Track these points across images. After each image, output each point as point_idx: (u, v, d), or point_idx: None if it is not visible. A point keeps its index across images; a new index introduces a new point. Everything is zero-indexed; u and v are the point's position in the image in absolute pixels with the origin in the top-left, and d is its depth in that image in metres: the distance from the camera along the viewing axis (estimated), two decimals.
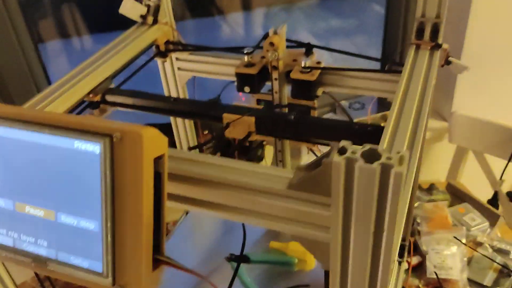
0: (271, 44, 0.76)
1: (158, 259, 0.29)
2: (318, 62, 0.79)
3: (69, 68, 1.32)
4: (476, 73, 1.30)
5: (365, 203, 0.27)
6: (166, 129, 1.00)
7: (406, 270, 1.10)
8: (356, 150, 0.27)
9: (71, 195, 0.29)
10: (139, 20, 0.83)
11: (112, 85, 0.70)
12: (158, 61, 0.90)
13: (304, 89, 0.78)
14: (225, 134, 0.64)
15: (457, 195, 1.27)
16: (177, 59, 0.90)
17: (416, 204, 1.22)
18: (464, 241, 1.12)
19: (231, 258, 0.89)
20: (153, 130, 0.28)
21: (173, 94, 0.96)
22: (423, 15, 0.69)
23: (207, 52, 0.87)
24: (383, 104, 1.47)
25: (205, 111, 0.70)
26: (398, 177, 0.25)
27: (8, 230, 0.31)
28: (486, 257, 1.10)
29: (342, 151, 0.27)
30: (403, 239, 0.97)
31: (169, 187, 0.31)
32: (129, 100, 0.71)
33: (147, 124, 1.05)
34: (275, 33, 0.77)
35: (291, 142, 0.92)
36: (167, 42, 0.87)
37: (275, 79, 0.80)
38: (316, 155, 0.98)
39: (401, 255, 0.97)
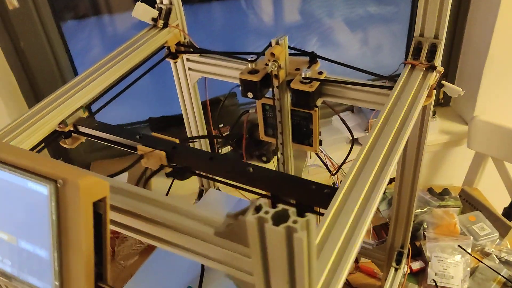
0: (272, 54, 0.77)
1: (100, 286, 0.33)
2: (320, 72, 0.80)
3: (92, 47, 1.36)
4: (500, 78, 1.27)
5: (277, 259, 0.29)
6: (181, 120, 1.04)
7: (406, 275, 1.11)
8: (269, 211, 0.29)
9: (28, 225, 0.33)
10: (151, 22, 0.87)
11: (85, 114, 0.71)
12: (171, 61, 0.93)
13: (303, 99, 0.79)
14: (142, 164, 0.66)
15: (470, 203, 1.26)
16: (187, 60, 0.93)
17: (425, 209, 1.22)
18: (469, 250, 1.11)
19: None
20: (93, 178, 0.31)
21: (185, 92, 1.00)
22: (421, 35, 0.68)
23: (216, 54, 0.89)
24: None
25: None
26: (299, 242, 0.28)
27: None
28: (491, 268, 1.09)
29: (257, 209, 0.30)
30: (402, 247, 0.98)
31: (116, 217, 0.35)
32: (97, 133, 0.70)
33: (162, 116, 1.10)
34: (277, 43, 0.78)
35: (293, 145, 0.94)
36: (178, 44, 0.90)
37: (276, 87, 0.82)
38: (320, 159, 0.99)
39: (398, 261, 0.99)
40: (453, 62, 1.38)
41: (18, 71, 1.15)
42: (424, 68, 0.67)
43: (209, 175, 0.66)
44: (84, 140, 0.68)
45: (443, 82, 0.65)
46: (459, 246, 1.11)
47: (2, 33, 1.09)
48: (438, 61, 0.67)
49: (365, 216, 0.44)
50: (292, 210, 0.29)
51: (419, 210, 1.22)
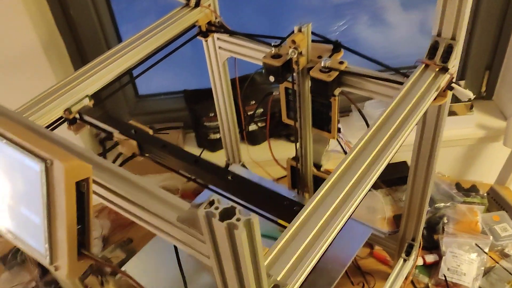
0: (293, 42, 0.79)
1: (83, 253, 0.39)
2: (341, 62, 0.81)
3: (135, 14, 1.40)
4: None
5: (224, 249, 0.33)
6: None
7: (419, 266, 1.12)
8: (219, 206, 0.33)
9: (26, 194, 0.39)
10: (184, 1, 0.90)
11: (91, 103, 0.74)
12: (202, 39, 0.97)
13: (321, 88, 0.81)
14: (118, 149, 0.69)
15: (498, 202, 1.23)
16: (218, 39, 0.96)
17: (448, 203, 1.21)
18: (486, 250, 1.10)
19: None
20: (76, 161, 0.36)
21: (215, 70, 1.03)
22: (439, 34, 0.68)
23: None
24: None
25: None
26: (239, 237, 0.31)
27: None
28: (506, 270, 1.08)
29: (211, 203, 0.34)
30: (413, 239, 0.99)
31: (101, 191, 0.40)
32: (99, 123, 0.73)
33: (196, 89, 1.14)
34: (300, 30, 0.79)
35: (313, 130, 0.96)
36: (209, 23, 0.94)
37: (297, 73, 0.84)
38: (340, 145, 1.01)
39: (408, 253, 1.00)
40: (499, 55, 1.32)
41: (67, 37, 1.23)
42: (437, 69, 0.67)
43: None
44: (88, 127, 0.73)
45: (453, 85, 0.65)
46: (476, 244, 1.10)
47: (54, 2, 1.17)
48: (452, 62, 0.67)
49: (328, 231, 0.47)
50: (238, 209, 0.33)
51: (442, 204, 1.21)
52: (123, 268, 1.00)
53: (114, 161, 0.67)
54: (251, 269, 0.34)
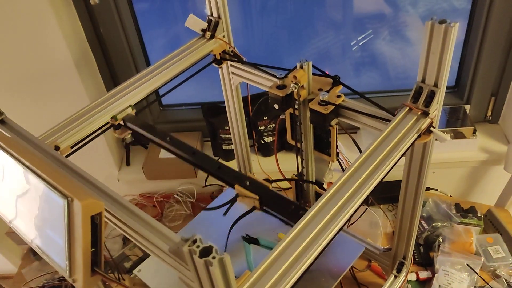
0: (295, 77, 0.87)
1: (96, 270, 0.49)
2: (339, 96, 0.89)
3: (161, 35, 1.50)
4: None
5: (203, 279, 0.42)
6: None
7: (412, 282, 1.20)
8: (200, 245, 0.42)
9: (54, 220, 0.49)
10: (200, 33, 1.00)
11: (133, 111, 0.89)
12: (217, 66, 1.06)
13: (319, 119, 0.89)
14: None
15: (494, 224, 1.28)
16: (231, 65, 1.05)
17: (445, 223, 1.27)
18: (477, 270, 1.16)
19: (245, 238, 1.08)
20: (91, 200, 0.46)
21: (228, 92, 1.13)
22: (423, 81, 0.75)
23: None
24: None
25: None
26: (213, 272, 0.40)
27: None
28: None
29: (194, 241, 0.43)
30: (404, 257, 1.06)
31: (111, 218, 0.51)
32: (140, 130, 0.87)
33: (212, 103, 1.24)
34: (301, 67, 0.88)
35: (315, 152, 1.05)
36: (224, 52, 1.03)
37: (298, 104, 0.92)
38: (341, 166, 1.09)
39: (398, 270, 1.07)
40: (505, 82, 1.37)
41: (97, 54, 1.35)
42: (419, 113, 0.74)
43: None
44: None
45: (431, 129, 0.72)
46: (467, 264, 1.16)
47: (87, 22, 1.28)
48: (434, 107, 0.74)
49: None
50: (215, 248, 0.42)
51: (439, 223, 1.28)
52: (138, 268, 1.10)
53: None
54: None
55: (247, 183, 0.74)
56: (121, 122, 0.88)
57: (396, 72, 1.68)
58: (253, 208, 0.75)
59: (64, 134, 0.79)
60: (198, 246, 0.42)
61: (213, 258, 0.41)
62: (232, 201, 0.78)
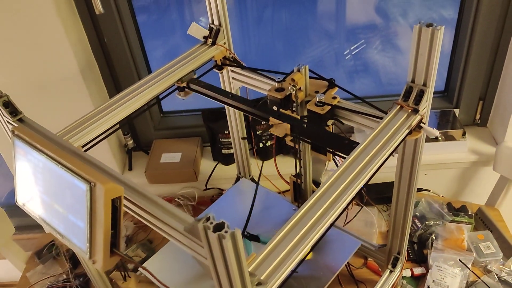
0: (292, 80, 0.93)
1: (114, 251, 0.53)
2: (334, 97, 0.94)
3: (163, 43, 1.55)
4: None
5: (216, 253, 0.47)
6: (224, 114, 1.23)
7: (407, 278, 1.24)
8: (213, 222, 0.47)
9: (74, 205, 0.53)
10: (202, 40, 1.05)
11: (195, 76, 1.03)
12: (218, 71, 1.12)
13: (315, 119, 0.94)
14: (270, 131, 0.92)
15: (484, 222, 1.34)
16: (231, 70, 1.11)
17: (438, 222, 1.32)
18: (469, 265, 1.21)
19: (246, 235, 1.12)
20: (112, 184, 0.50)
21: None
22: (412, 81, 0.80)
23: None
24: None
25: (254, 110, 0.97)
26: (225, 245, 0.45)
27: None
28: (486, 285, 1.18)
29: (208, 219, 0.48)
30: (398, 253, 1.11)
31: (129, 205, 0.55)
32: (203, 90, 1.02)
33: (212, 108, 1.30)
34: (299, 71, 0.93)
35: (312, 152, 1.10)
36: (224, 58, 1.08)
37: (296, 105, 0.97)
38: (337, 165, 1.14)
39: (393, 265, 1.12)
40: (492, 87, 1.43)
41: (101, 62, 1.40)
42: (410, 110, 0.80)
43: None
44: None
45: (421, 124, 0.78)
46: (459, 260, 1.21)
47: (91, 31, 1.33)
48: (423, 105, 0.79)
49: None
50: (227, 224, 0.47)
51: (432, 222, 1.33)
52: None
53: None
54: (236, 268, 0.48)
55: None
56: (185, 85, 1.02)
57: (388, 78, 1.74)
58: (285, 136, 0.90)
59: (75, 134, 0.84)
60: (211, 223, 0.47)
61: (226, 232, 0.46)
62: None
